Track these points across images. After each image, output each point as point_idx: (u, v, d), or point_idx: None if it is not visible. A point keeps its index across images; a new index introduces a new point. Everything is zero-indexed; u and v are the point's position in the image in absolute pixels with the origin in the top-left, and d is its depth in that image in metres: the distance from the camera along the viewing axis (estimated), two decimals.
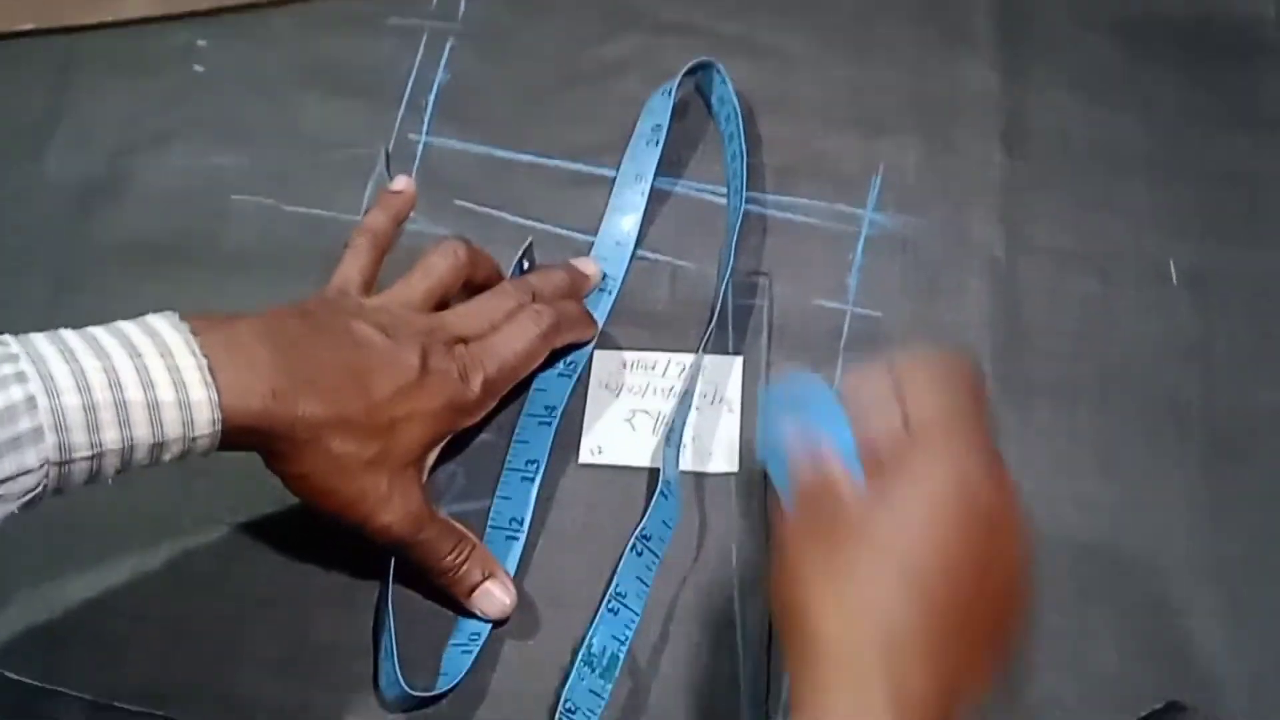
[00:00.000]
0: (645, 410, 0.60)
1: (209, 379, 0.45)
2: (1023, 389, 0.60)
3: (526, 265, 0.62)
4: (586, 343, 0.61)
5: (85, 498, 0.56)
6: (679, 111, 0.67)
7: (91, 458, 0.44)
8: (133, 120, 0.68)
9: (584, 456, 0.59)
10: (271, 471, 0.51)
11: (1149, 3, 0.69)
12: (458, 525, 0.55)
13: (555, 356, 0.60)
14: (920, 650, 0.40)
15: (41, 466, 0.43)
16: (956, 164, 0.66)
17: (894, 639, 0.40)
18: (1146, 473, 0.58)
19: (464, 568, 0.54)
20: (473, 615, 0.55)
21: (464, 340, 0.55)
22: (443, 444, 0.55)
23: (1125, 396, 0.60)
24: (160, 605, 0.56)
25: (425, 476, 0.55)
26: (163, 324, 0.46)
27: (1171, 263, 0.63)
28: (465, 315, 0.56)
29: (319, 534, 0.56)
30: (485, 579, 0.55)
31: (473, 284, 0.58)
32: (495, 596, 0.55)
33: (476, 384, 0.54)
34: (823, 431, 0.45)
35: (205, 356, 0.46)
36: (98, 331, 0.45)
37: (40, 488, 0.43)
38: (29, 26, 0.69)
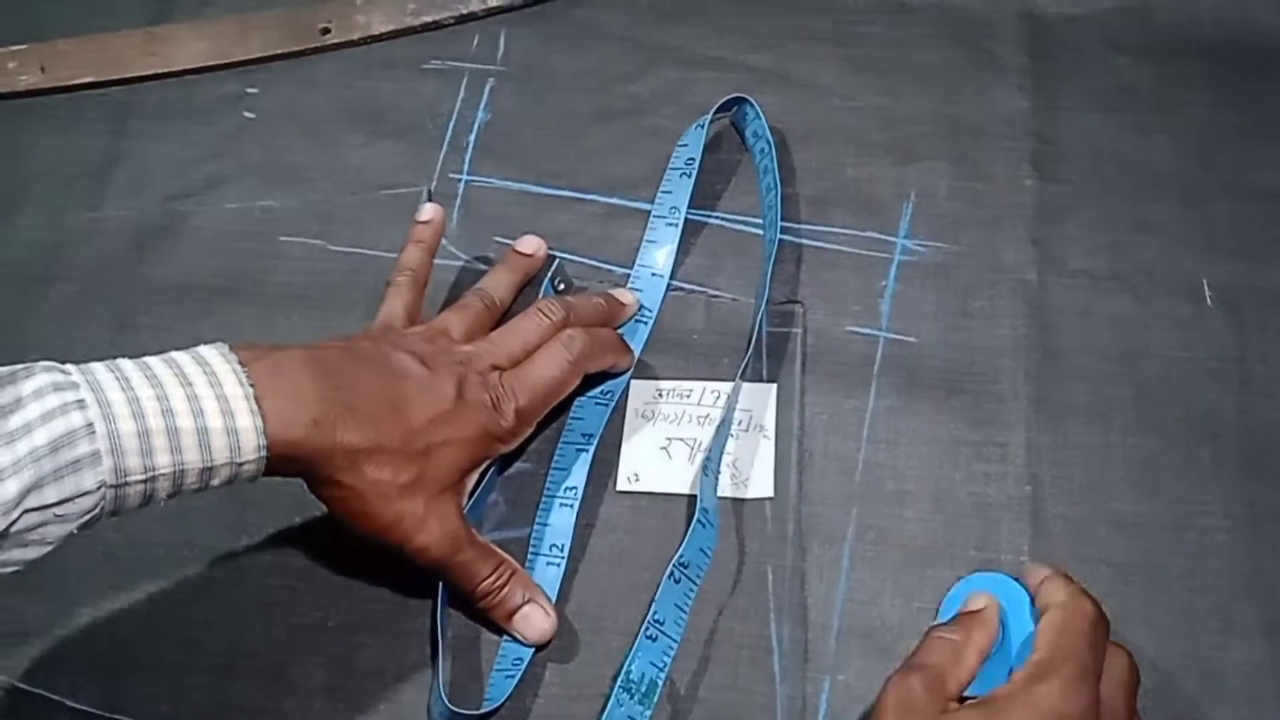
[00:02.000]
0: (681, 438, 0.62)
1: (255, 407, 0.48)
2: (1057, 410, 0.60)
3: (561, 286, 0.63)
4: (624, 371, 0.62)
5: (143, 530, 0.59)
6: (713, 144, 0.68)
7: (145, 481, 0.46)
8: (186, 166, 0.71)
9: (621, 484, 0.61)
10: (314, 495, 0.53)
11: (1177, 23, 0.70)
12: (497, 550, 0.56)
13: (592, 383, 0.61)
14: None
15: (99, 489, 0.45)
16: (987, 188, 0.66)
17: None
18: (1182, 492, 0.58)
19: (504, 591, 0.55)
20: (515, 639, 0.57)
21: (499, 368, 0.56)
22: (481, 469, 0.57)
23: (1160, 416, 0.60)
24: (213, 634, 0.58)
25: (465, 500, 0.56)
26: (213, 354, 0.49)
27: (1205, 282, 0.63)
28: (499, 344, 0.58)
29: (366, 562, 0.58)
30: (525, 603, 0.56)
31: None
32: (535, 621, 0.56)
33: (510, 412, 0.55)
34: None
35: (252, 386, 0.48)
36: (152, 361, 0.48)
37: (98, 509, 0.46)
38: (89, 79, 0.72)
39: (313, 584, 0.59)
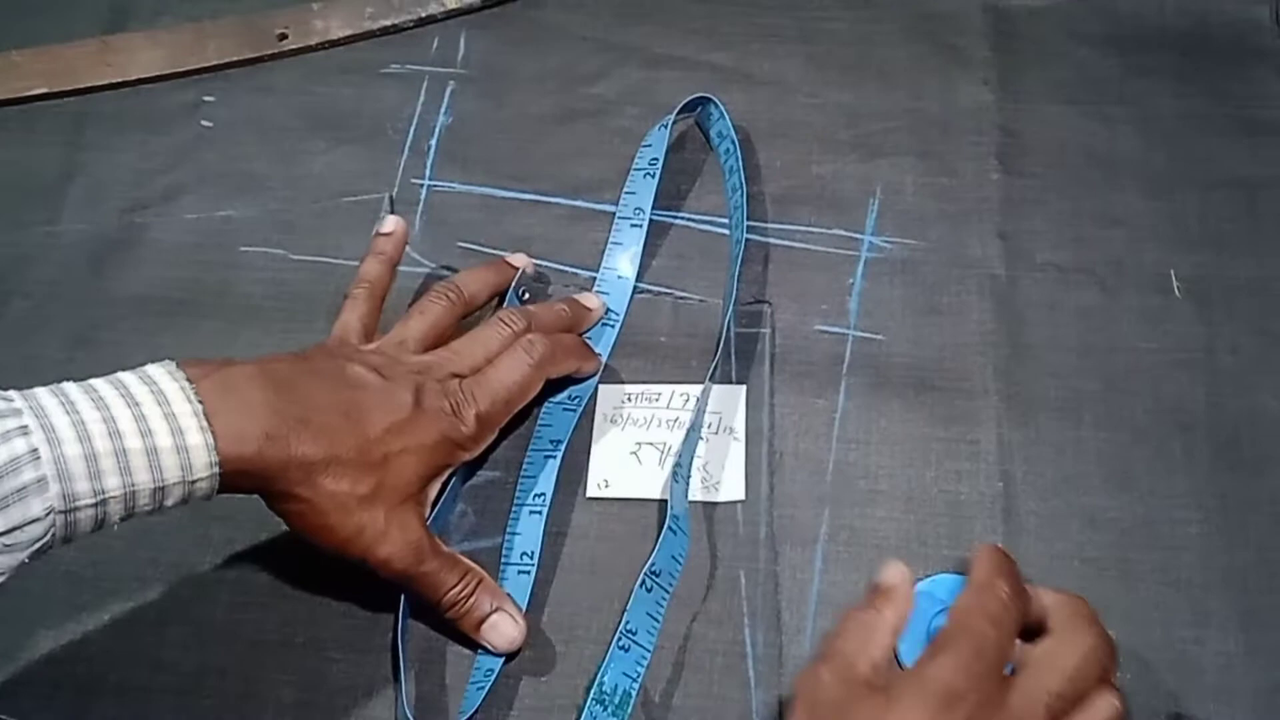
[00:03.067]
0: (650, 442, 0.61)
1: (205, 424, 0.47)
2: (1028, 406, 0.60)
3: (525, 295, 0.63)
4: (589, 376, 0.62)
5: (105, 548, 0.58)
6: (677, 144, 0.68)
7: (95, 505, 0.45)
8: (144, 176, 0.70)
9: (591, 490, 0.60)
10: (273, 511, 0.52)
11: (1140, 13, 0.69)
12: (463, 559, 0.56)
13: (558, 388, 0.61)
14: None
15: (47, 515, 0.44)
16: (954, 183, 0.66)
17: None
18: (1154, 485, 0.58)
19: (471, 600, 0.55)
20: (485, 650, 0.56)
21: (459, 376, 0.56)
22: (444, 477, 0.56)
23: (1131, 409, 0.60)
24: (180, 652, 0.57)
25: (428, 510, 0.56)
26: (160, 372, 0.48)
27: (1173, 273, 0.63)
28: (459, 351, 0.57)
29: (334, 576, 0.57)
30: (494, 611, 0.55)
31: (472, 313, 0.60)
32: (504, 629, 0.55)
33: (470, 418, 0.55)
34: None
35: (201, 402, 0.47)
36: (98, 383, 0.47)
37: (48, 536, 0.45)
38: (41, 90, 0.71)
39: (279, 600, 0.58)
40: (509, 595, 0.56)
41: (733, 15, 0.72)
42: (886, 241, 0.65)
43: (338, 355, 0.54)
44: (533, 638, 0.56)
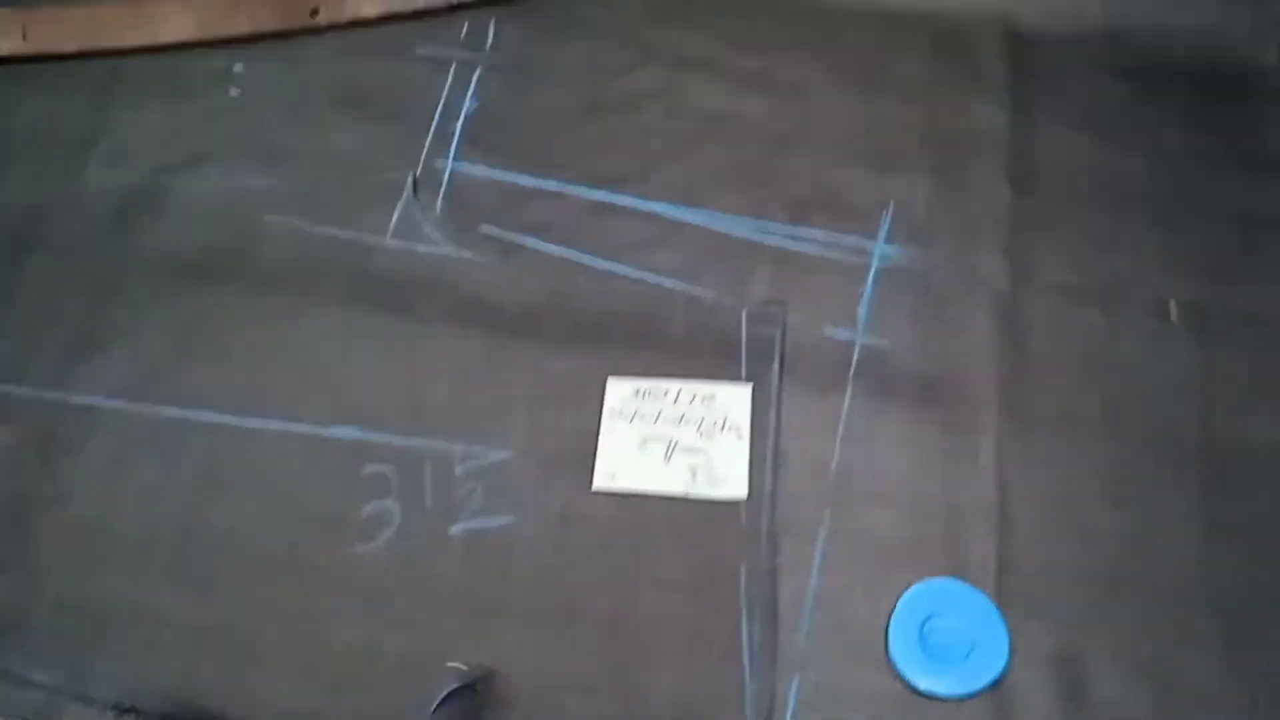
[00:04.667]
0: (657, 437, 0.62)
1: None
2: (1027, 419, 0.62)
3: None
4: None
5: (114, 507, 0.59)
6: (692, 143, 0.69)
7: None
8: (170, 140, 0.70)
9: (598, 482, 0.61)
10: None
11: (1155, 48, 0.71)
12: None
13: None
14: None
15: None
16: (965, 200, 0.67)
17: None
18: (1147, 502, 0.60)
19: None
20: None
21: None
22: None
23: (1127, 428, 0.62)
24: (184, 612, 0.58)
25: None
26: None
27: (1172, 300, 0.64)
28: None
29: (339, 544, 0.58)
30: None
31: None
32: None
33: None
34: None
35: None
36: None
37: None
38: (73, 48, 0.72)
39: (285, 564, 0.59)
40: None
41: (759, 21, 0.73)
42: (898, 251, 0.66)
43: None
44: (540, 619, 0.57)
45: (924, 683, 0.56)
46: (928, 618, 0.57)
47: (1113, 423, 0.62)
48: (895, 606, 0.58)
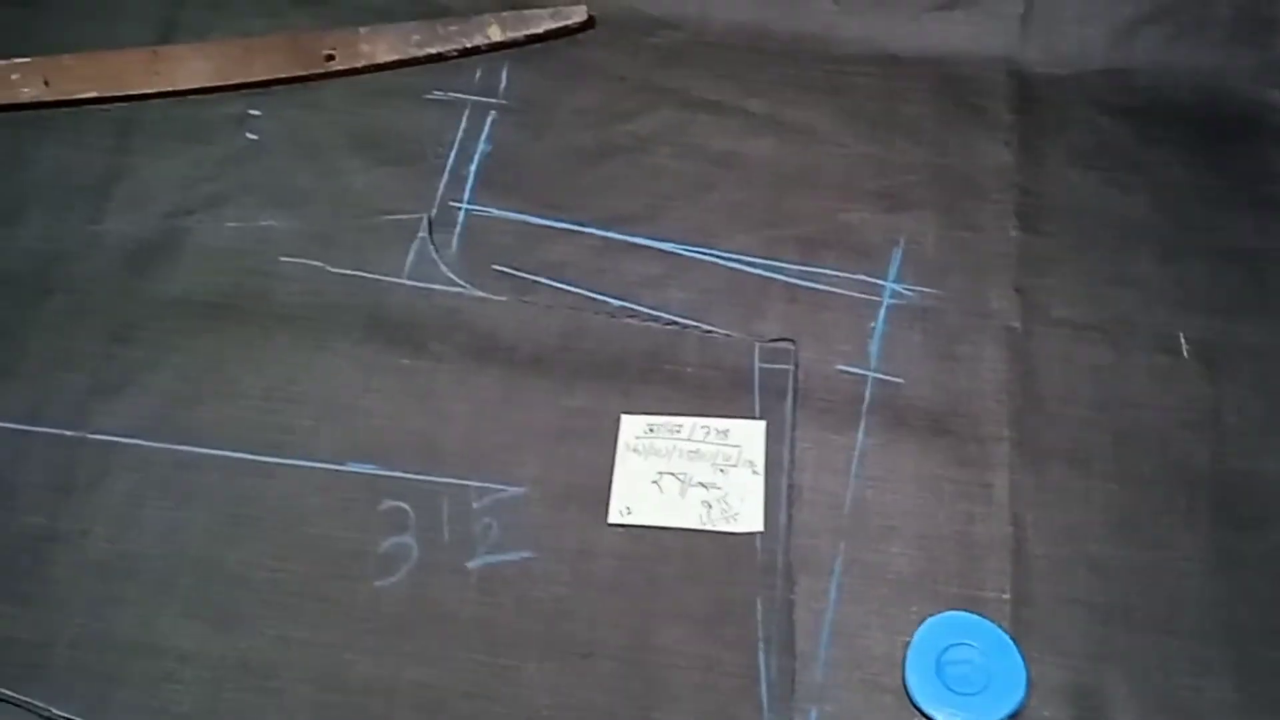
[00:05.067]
0: (672, 472, 0.63)
1: None
2: (1039, 454, 0.62)
3: None
4: None
5: (133, 543, 0.59)
6: (700, 183, 0.70)
7: None
8: (187, 183, 0.71)
9: (613, 516, 0.61)
10: None
11: (1157, 87, 0.72)
12: None
13: None
14: None
15: None
16: (974, 238, 0.68)
17: None
18: (1159, 537, 0.60)
19: None
20: None
21: None
22: None
23: (1138, 463, 0.62)
24: (204, 647, 0.58)
25: None
26: None
27: (1181, 335, 0.65)
28: None
29: (357, 579, 0.59)
30: None
31: None
32: None
33: None
34: None
35: None
36: None
37: None
38: (92, 94, 0.73)
39: (302, 600, 0.59)
40: None
41: (765, 64, 0.74)
42: (908, 289, 0.67)
43: None
44: (550, 649, 0.57)
45: (942, 716, 0.56)
46: (944, 650, 0.57)
47: (1125, 457, 0.62)
48: (912, 639, 0.58)
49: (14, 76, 0.73)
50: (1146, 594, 0.59)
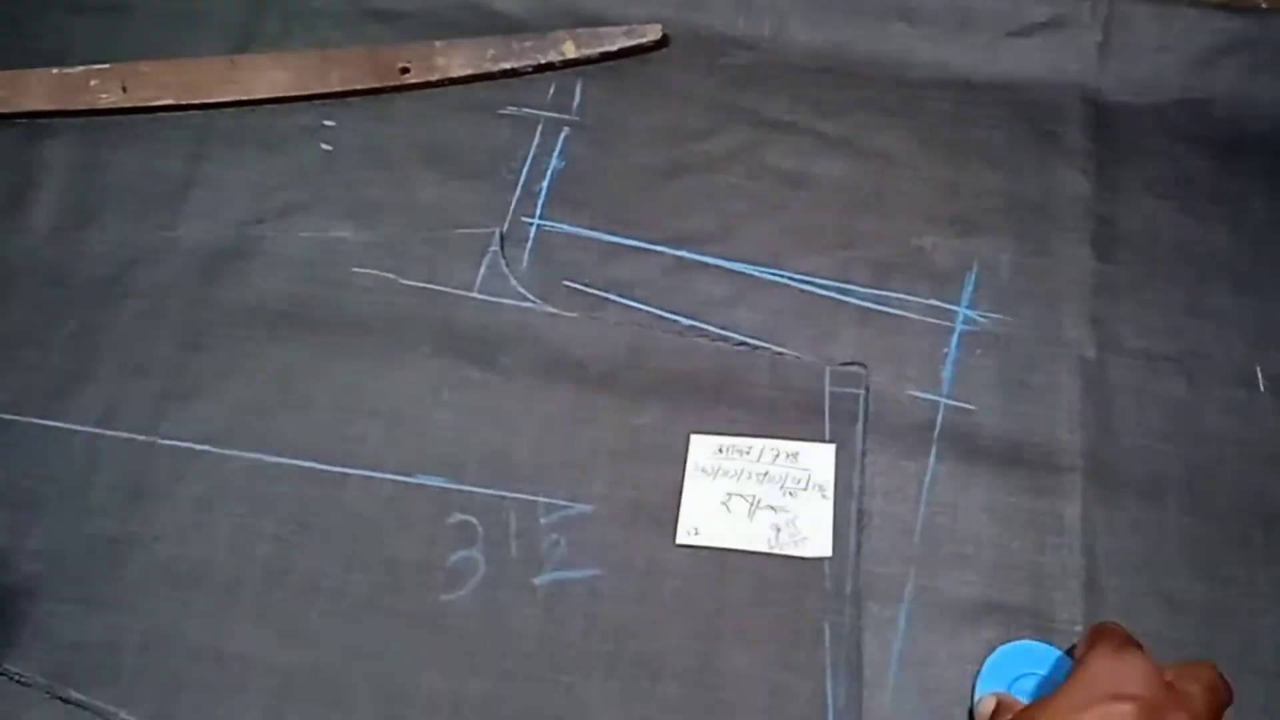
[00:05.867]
0: (740, 494, 0.62)
1: None
2: (1113, 485, 0.62)
3: None
4: None
5: (203, 549, 0.59)
6: (771, 204, 0.70)
7: None
8: (261, 192, 0.71)
9: (681, 537, 0.61)
10: None
11: (1235, 117, 0.71)
12: None
13: None
14: None
15: None
16: (1049, 265, 0.68)
17: None
18: (1235, 573, 0.60)
19: None
20: None
21: None
22: None
23: (1213, 497, 0.61)
24: (271, 654, 0.58)
25: None
26: None
27: (1258, 369, 0.64)
28: None
29: (424, 592, 0.59)
30: None
31: None
32: None
33: None
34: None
35: None
36: None
37: None
38: (169, 101, 0.73)
39: (370, 612, 0.60)
40: None
41: (839, 86, 0.74)
42: (981, 315, 0.66)
43: None
44: (615, 670, 0.57)
45: None
46: (1015, 680, 0.57)
47: (1200, 491, 0.62)
48: (981, 668, 0.57)
49: (93, 83, 0.74)
50: (1220, 630, 0.58)
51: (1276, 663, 0.57)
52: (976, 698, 0.57)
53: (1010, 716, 0.50)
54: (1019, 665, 0.57)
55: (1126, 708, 0.46)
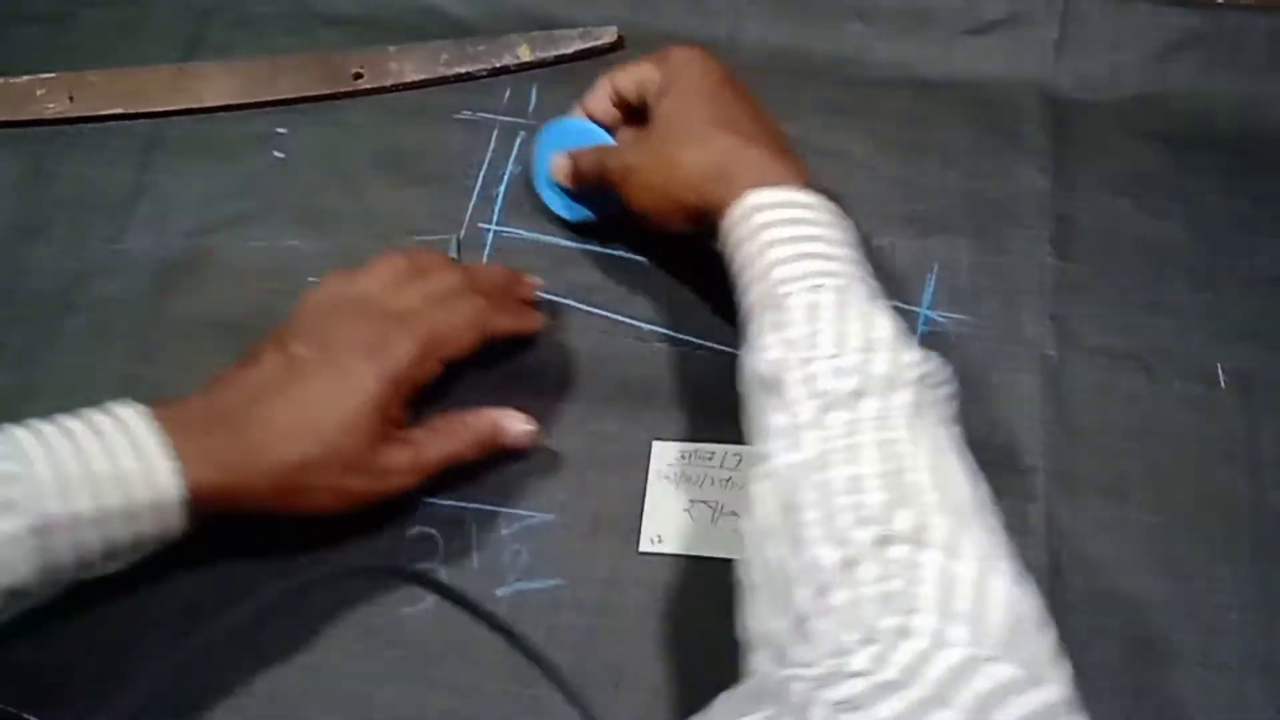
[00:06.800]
0: (704, 500, 0.62)
1: (169, 448, 0.51)
2: (1073, 484, 0.61)
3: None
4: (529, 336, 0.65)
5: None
6: None
7: (69, 526, 0.48)
8: (212, 202, 0.70)
9: (644, 545, 0.61)
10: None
11: (1193, 113, 0.71)
12: (441, 423, 0.59)
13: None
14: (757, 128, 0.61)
15: (21, 534, 0.47)
16: (1008, 264, 0.68)
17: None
18: (1196, 570, 0.59)
19: (475, 437, 0.60)
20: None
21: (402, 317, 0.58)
22: (412, 394, 0.58)
23: (1175, 494, 0.61)
24: (229, 671, 0.58)
25: (405, 418, 0.58)
26: (124, 410, 0.52)
27: (1219, 365, 0.64)
28: (404, 295, 0.59)
29: (390, 609, 0.58)
30: (497, 424, 0.60)
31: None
32: (512, 430, 0.61)
33: (410, 350, 0.57)
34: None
35: (163, 432, 0.51)
36: (64, 418, 0.51)
37: (25, 568, 0.48)
38: (116, 110, 0.72)
39: (327, 624, 0.59)
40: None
41: (795, 87, 0.73)
42: (942, 316, 0.66)
43: (281, 346, 0.57)
44: (585, 680, 0.57)
45: None
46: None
47: (1162, 488, 0.62)
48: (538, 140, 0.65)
49: (39, 92, 0.72)
50: (1184, 627, 0.58)
51: (1239, 659, 0.57)
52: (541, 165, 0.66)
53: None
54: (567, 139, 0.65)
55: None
